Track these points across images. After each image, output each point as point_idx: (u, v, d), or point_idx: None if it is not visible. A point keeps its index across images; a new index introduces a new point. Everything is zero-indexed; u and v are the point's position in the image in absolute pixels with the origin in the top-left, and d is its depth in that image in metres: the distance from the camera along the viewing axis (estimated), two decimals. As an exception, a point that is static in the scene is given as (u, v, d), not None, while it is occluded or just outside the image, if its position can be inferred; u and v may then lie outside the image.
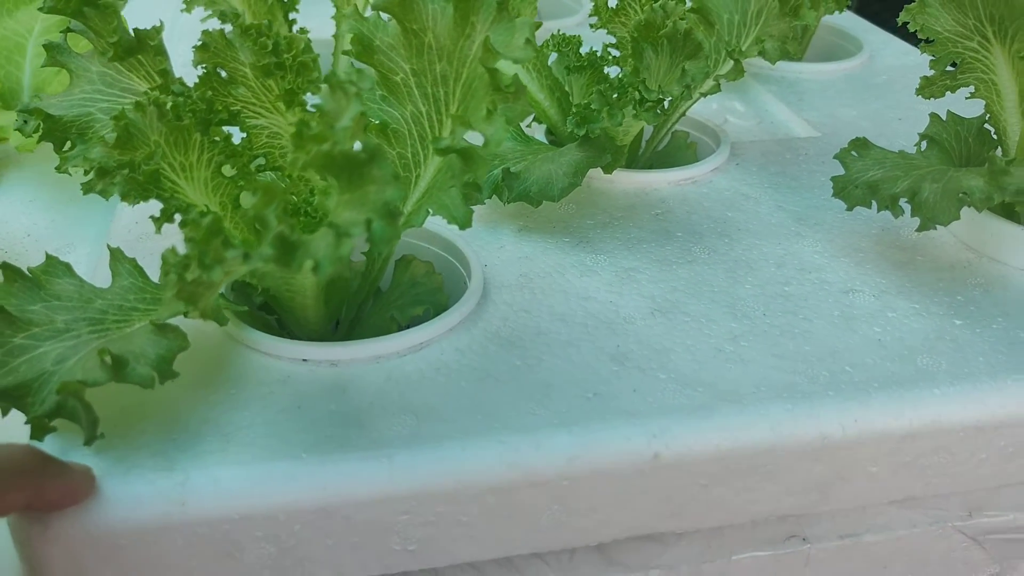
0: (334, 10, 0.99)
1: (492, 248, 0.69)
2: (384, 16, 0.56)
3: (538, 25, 0.55)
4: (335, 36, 1.01)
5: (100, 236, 0.74)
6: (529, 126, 0.87)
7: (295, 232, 0.40)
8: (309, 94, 0.57)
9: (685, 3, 0.70)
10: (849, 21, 1.19)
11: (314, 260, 0.40)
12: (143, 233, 0.70)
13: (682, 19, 0.68)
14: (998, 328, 0.61)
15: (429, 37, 0.56)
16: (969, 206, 0.60)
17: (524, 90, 0.52)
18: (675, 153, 0.85)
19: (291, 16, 1.01)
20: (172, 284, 0.43)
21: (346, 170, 0.42)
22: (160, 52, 0.59)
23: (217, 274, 0.40)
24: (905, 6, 0.72)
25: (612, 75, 0.75)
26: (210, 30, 0.56)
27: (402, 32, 0.56)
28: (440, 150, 0.52)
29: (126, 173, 0.50)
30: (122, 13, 0.99)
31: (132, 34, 0.58)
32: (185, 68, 1.03)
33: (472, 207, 0.55)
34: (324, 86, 0.45)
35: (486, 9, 0.54)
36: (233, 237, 0.43)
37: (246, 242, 0.43)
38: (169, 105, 0.53)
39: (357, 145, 0.43)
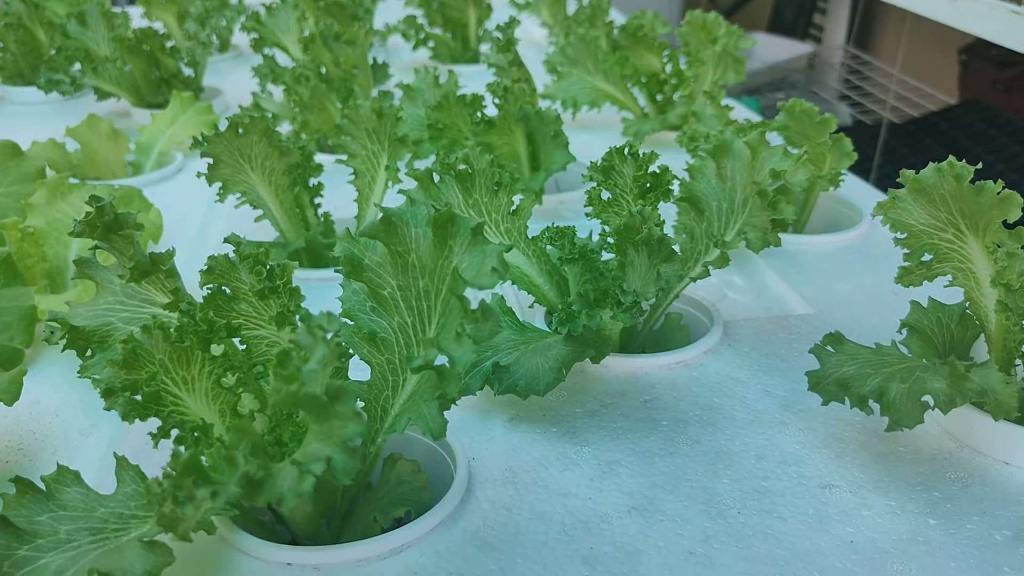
0: (356, 193, 1.07)
1: (482, 440, 0.72)
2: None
3: (509, 248, 0.60)
4: (356, 217, 1.08)
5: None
6: (531, 307, 0.92)
7: (259, 471, 0.44)
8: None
9: (659, 213, 0.75)
10: (853, 188, 1.22)
11: (278, 495, 0.44)
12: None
13: (657, 225, 0.72)
14: (973, 529, 0.62)
15: (412, 257, 0.61)
16: (933, 409, 0.62)
17: (492, 313, 0.56)
18: (669, 335, 0.88)
19: (316, 201, 1.10)
20: (155, 512, 0.47)
21: (313, 408, 0.46)
22: (172, 274, 0.65)
23: (189, 510, 0.44)
24: (878, 202, 0.76)
25: (607, 261, 0.79)
26: (216, 255, 0.62)
27: (388, 253, 0.61)
28: (415, 369, 0.56)
29: (128, 395, 0.55)
30: (159, 213, 1.07)
31: (148, 258, 0.65)
32: (220, 248, 1.11)
33: (446, 419, 0.59)
34: (301, 324, 0.50)
35: (462, 234, 0.59)
36: (217, 462, 0.47)
37: (224, 469, 0.47)
38: (173, 328, 0.58)
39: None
